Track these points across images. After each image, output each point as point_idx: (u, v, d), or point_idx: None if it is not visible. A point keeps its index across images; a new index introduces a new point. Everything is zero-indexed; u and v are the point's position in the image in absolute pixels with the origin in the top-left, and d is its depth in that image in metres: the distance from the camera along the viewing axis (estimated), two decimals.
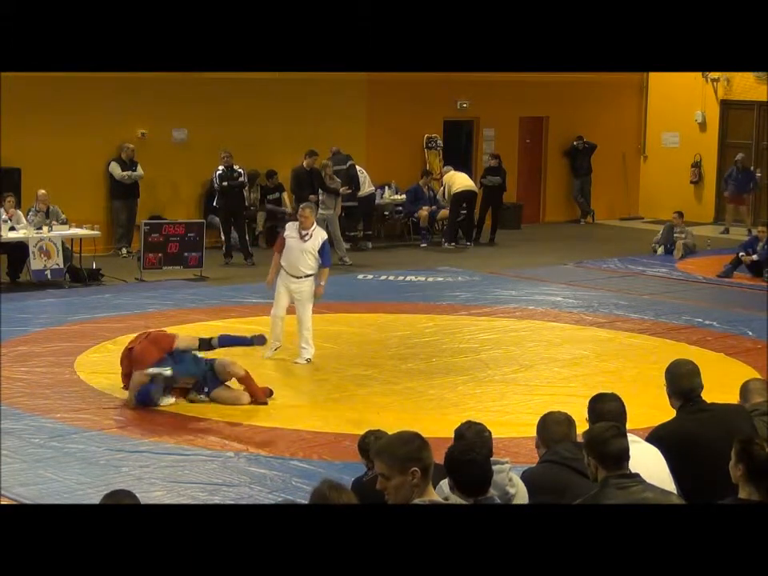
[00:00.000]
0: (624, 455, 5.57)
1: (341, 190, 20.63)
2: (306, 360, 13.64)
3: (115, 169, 20.81)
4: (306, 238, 13.56)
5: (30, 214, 18.34)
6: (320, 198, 20.45)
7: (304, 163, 20.41)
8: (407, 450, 5.13)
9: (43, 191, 18.50)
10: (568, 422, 6.46)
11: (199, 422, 11.51)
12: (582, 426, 6.45)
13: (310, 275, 13.65)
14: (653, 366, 12.93)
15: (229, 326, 15.36)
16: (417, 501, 5.10)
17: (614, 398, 6.57)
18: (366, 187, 22.70)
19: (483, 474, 5.55)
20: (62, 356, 13.63)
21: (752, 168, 25.64)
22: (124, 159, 20.80)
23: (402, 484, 5.11)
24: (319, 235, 13.72)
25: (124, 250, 20.67)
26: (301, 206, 14.16)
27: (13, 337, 14.33)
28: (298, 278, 13.58)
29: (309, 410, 12.23)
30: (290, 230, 13.73)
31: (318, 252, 13.58)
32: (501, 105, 25.33)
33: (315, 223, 13.95)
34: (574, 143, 26.43)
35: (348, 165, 22.00)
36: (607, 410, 6.40)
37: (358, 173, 22.43)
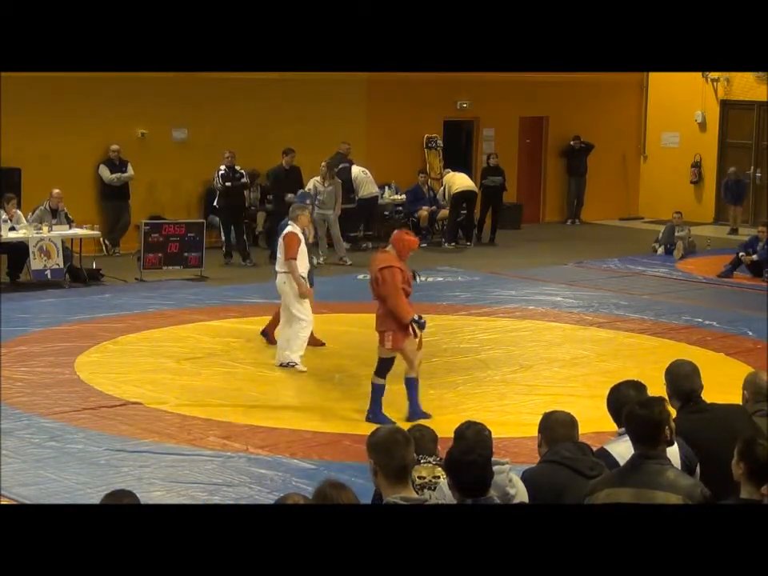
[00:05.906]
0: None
1: (287, 197, 19.57)
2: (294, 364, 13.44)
3: (104, 172, 20.75)
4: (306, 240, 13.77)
5: (39, 209, 18.35)
6: (319, 198, 20.39)
7: (283, 162, 20.45)
8: (370, 441, 5.37)
9: (58, 190, 18.56)
10: (572, 422, 6.46)
11: (199, 422, 11.51)
12: (583, 427, 6.46)
13: None
14: (653, 366, 12.91)
15: (229, 325, 15.37)
16: (389, 498, 5.19)
17: (636, 385, 6.66)
18: (368, 189, 22.60)
19: (483, 475, 5.54)
20: (61, 356, 13.63)
21: (745, 175, 25.81)
22: (113, 160, 20.78)
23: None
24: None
25: (108, 247, 20.60)
26: (299, 207, 14.04)
27: (13, 337, 14.33)
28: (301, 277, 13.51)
29: (309, 410, 12.23)
30: (300, 235, 13.59)
31: None
32: (501, 105, 25.32)
33: None
34: (571, 143, 26.41)
35: (339, 168, 21.82)
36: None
37: (360, 173, 22.36)
